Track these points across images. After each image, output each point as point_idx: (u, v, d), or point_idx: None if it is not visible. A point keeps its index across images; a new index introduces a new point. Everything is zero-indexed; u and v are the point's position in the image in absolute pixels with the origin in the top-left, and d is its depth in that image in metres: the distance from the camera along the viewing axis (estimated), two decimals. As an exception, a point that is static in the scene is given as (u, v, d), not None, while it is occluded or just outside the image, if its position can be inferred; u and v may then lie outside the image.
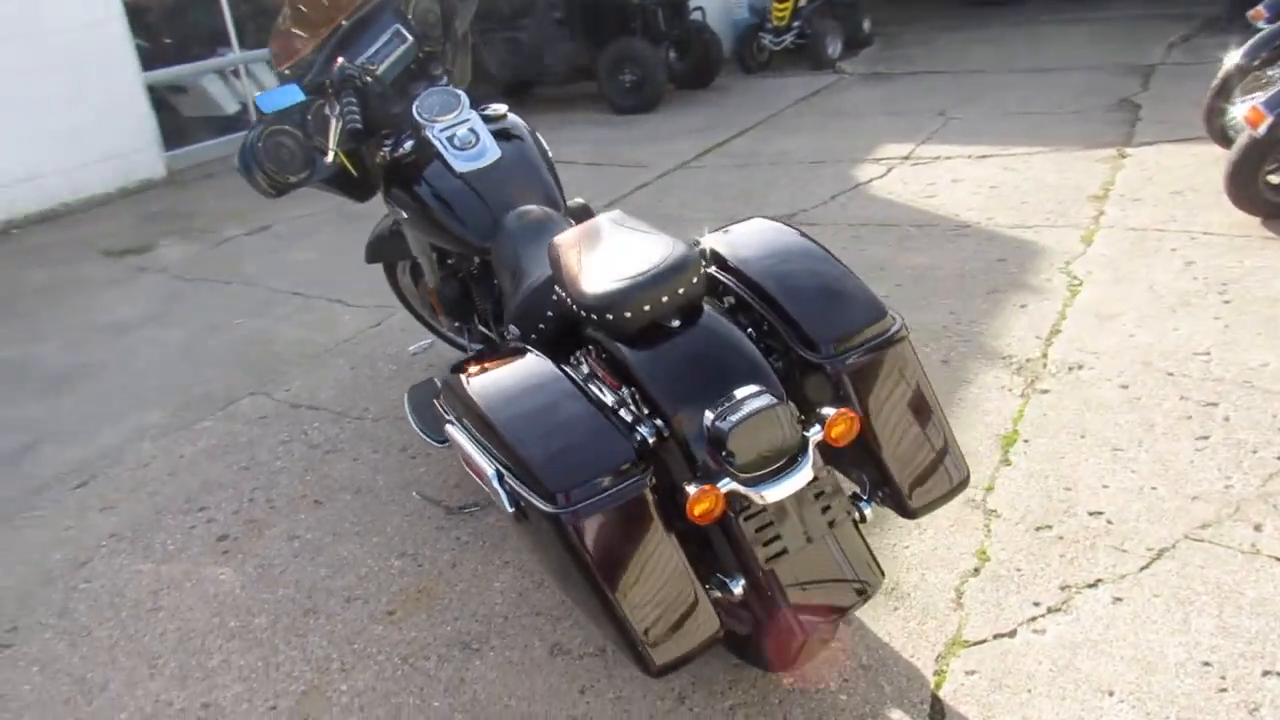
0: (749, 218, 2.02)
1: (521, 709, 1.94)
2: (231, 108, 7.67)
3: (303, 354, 3.70)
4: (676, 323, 1.69)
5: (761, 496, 1.53)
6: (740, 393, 1.56)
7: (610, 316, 1.66)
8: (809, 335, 1.68)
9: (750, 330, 1.76)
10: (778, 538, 1.57)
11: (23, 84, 5.91)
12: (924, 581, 2.18)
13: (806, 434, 1.59)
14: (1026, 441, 2.67)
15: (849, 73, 8.23)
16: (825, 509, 1.62)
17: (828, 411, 1.60)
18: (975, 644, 1.99)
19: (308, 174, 2.41)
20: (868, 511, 1.70)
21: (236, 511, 2.71)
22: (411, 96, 2.52)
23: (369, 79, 2.44)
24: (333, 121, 2.33)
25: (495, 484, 1.58)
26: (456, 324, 2.75)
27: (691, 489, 1.51)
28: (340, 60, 2.38)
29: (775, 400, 1.54)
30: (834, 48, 8.53)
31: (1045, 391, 2.88)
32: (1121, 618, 2.01)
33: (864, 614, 2.10)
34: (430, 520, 2.56)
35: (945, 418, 1.76)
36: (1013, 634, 2.01)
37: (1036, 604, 2.07)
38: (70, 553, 2.60)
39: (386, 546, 2.48)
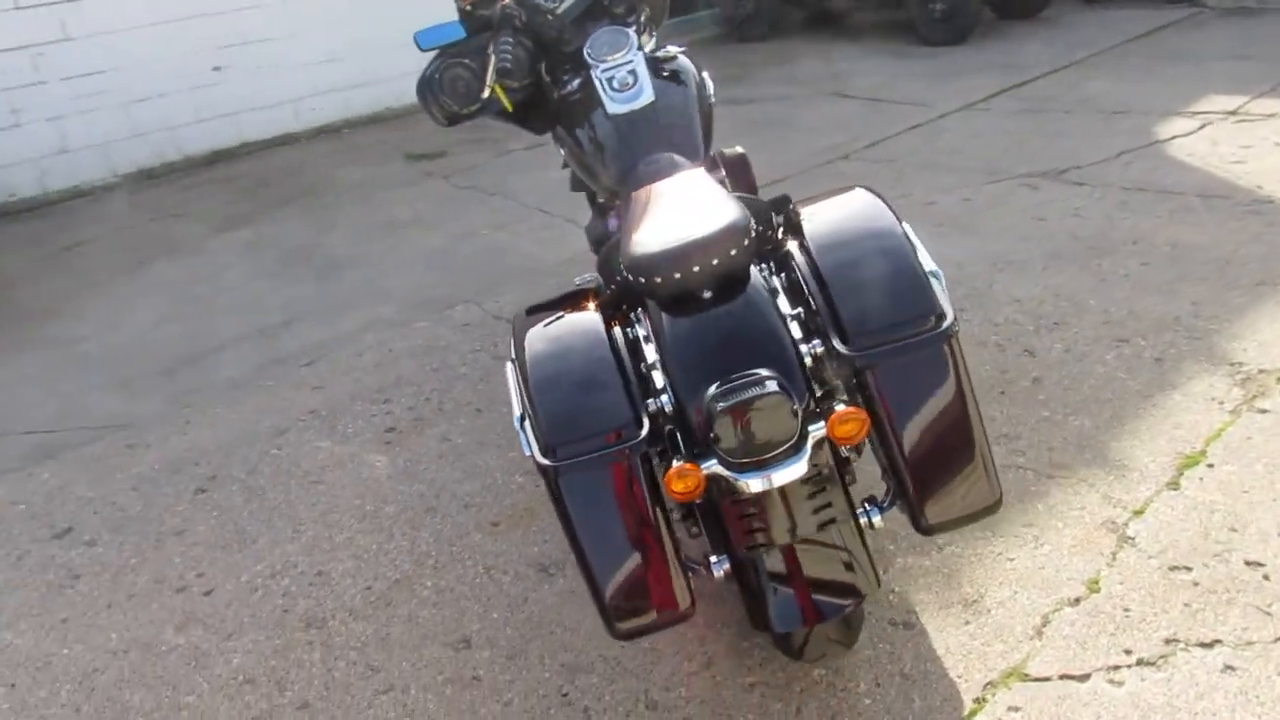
0: (850, 187, 1.89)
1: (564, 638, 2.05)
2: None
3: (525, 269, 3.96)
4: (708, 294, 1.65)
5: (745, 485, 1.49)
6: (744, 376, 1.51)
7: (643, 280, 1.65)
8: (845, 325, 1.57)
9: (800, 310, 1.67)
10: (760, 529, 1.52)
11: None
12: (1012, 600, 2.00)
13: (810, 429, 1.50)
14: (1210, 466, 2.31)
15: (1210, 6, 7.12)
16: (819, 509, 1.54)
17: (840, 408, 1.50)
18: (1035, 680, 1.81)
19: (478, 106, 2.55)
20: (876, 519, 1.59)
21: (411, 408, 3.01)
22: (589, 34, 2.57)
23: (545, 17, 2.52)
24: (491, 59, 2.44)
25: (517, 426, 1.66)
26: None
27: (676, 464, 1.50)
28: (504, 1, 2.47)
29: (775, 389, 1.47)
30: (1199, -25, 7.40)
31: (1264, 411, 2.46)
32: (1224, 689, 1.73)
33: (931, 620, 1.98)
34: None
35: (985, 432, 1.58)
36: (1084, 678, 1.80)
37: (1128, 652, 1.84)
38: (276, 421, 3.03)
39: (516, 464, 2.65)
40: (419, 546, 2.38)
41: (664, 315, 1.68)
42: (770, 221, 1.90)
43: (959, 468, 1.57)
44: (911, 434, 1.55)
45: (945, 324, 1.56)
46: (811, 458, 1.51)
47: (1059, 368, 2.81)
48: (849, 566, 1.58)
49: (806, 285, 1.68)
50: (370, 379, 3.23)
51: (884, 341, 1.55)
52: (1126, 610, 1.93)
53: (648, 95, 2.43)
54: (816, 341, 1.61)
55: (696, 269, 1.62)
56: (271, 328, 3.71)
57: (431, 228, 4.59)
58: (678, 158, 2.32)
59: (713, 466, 1.51)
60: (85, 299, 4.20)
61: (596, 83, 2.47)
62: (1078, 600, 1.98)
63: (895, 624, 1.99)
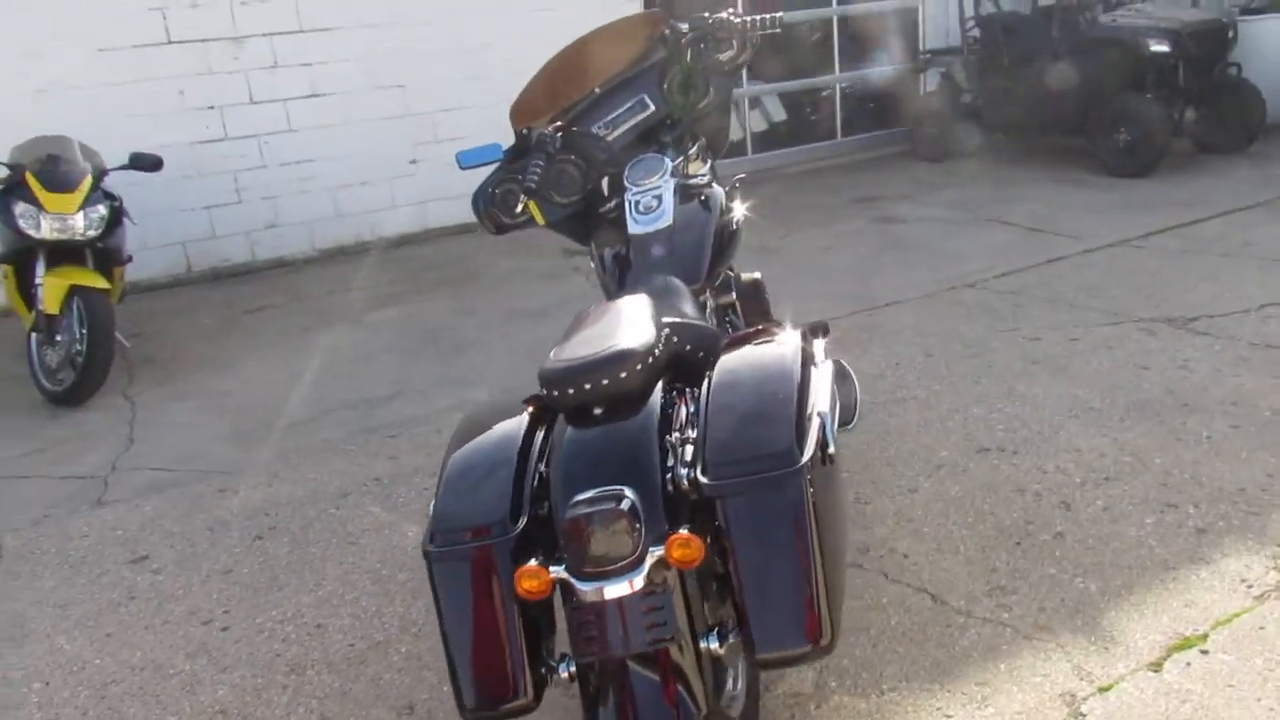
0: (783, 331, 1.96)
1: (493, 719, 2.17)
2: (736, 135, 8.43)
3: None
4: (598, 410, 1.77)
5: (582, 592, 1.58)
6: (600, 490, 1.62)
7: (545, 391, 1.80)
8: (705, 455, 1.65)
9: (688, 436, 1.76)
10: (594, 636, 1.60)
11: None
12: (925, 758, 1.94)
13: (651, 549, 1.58)
14: (1204, 652, 2.14)
15: None
16: (653, 625, 1.60)
17: (682, 532, 1.58)
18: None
19: (526, 219, 2.81)
20: (714, 645, 1.63)
21: (459, 486, 3.24)
22: (635, 159, 2.78)
23: (597, 144, 2.75)
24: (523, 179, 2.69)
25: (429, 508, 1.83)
26: None
27: (531, 564, 1.62)
28: (547, 128, 2.72)
29: (619, 508, 1.57)
30: None
31: (1291, 602, 2.25)
32: None
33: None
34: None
35: (824, 574, 1.59)
36: None
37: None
38: (344, 484, 3.35)
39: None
40: (410, 615, 2.58)
41: (566, 425, 1.82)
42: (708, 348, 2.01)
43: (790, 606, 1.59)
44: (747, 567, 1.60)
45: (798, 465, 1.61)
46: (651, 576, 1.59)
47: (1089, 526, 2.67)
48: (680, 688, 1.63)
49: (696, 415, 1.77)
50: (438, 456, 3.49)
51: (732, 475, 1.62)
52: (1039, 789, 1.83)
53: (666, 220, 2.60)
54: (685, 468, 1.69)
55: (588, 387, 1.75)
56: (380, 399, 4.10)
57: (550, 319, 4.90)
58: (673, 280, 2.46)
59: (560, 571, 1.62)
60: (246, 357, 4.78)
61: (627, 204, 2.67)
62: (993, 771, 1.89)
63: (800, 761, 1.98)
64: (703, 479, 1.63)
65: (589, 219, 2.88)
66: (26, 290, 4.37)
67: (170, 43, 6.06)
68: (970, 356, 3.89)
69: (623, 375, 1.76)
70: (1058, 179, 6.94)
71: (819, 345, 2.08)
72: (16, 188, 4.26)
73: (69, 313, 4.27)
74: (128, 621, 2.66)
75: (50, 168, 4.33)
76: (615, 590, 1.57)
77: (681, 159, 2.80)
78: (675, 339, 2.05)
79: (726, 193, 2.83)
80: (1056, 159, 7.43)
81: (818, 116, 8.88)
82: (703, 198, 2.69)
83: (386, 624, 2.55)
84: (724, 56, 2.84)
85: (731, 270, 2.75)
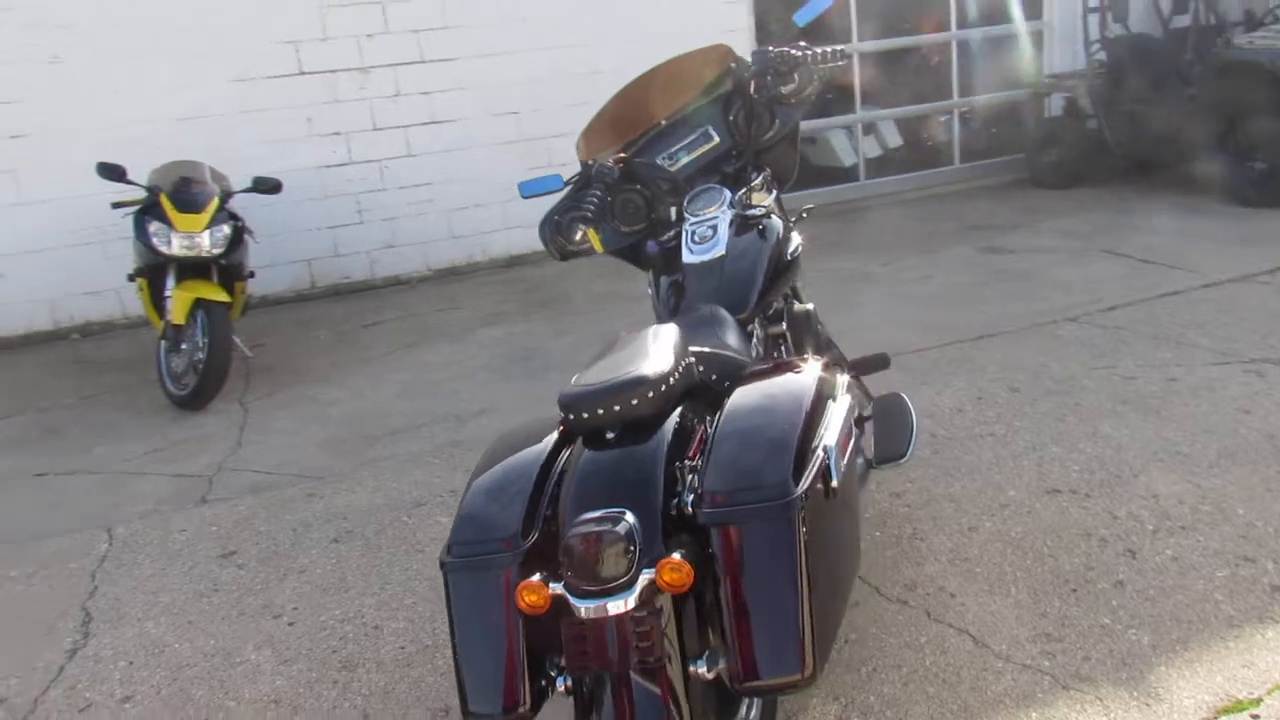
0: (804, 363, 1.98)
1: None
2: (849, 161, 8.37)
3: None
4: (611, 435, 1.83)
5: (576, 608, 1.64)
6: (601, 512, 1.68)
7: (564, 415, 1.87)
8: (704, 484, 1.69)
9: (697, 463, 1.80)
10: (585, 652, 1.66)
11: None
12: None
13: (643, 571, 1.63)
14: (1255, 718, 2.04)
15: None
16: (642, 646, 1.64)
17: (675, 557, 1.62)
18: None
19: (587, 246, 2.90)
20: (702, 669, 1.66)
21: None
22: (695, 190, 2.84)
23: (661, 174, 2.83)
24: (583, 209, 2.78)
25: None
26: None
27: (533, 579, 1.69)
28: (608, 160, 2.80)
29: (615, 530, 1.62)
30: None
31: (1359, 669, 2.11)
32: None
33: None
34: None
35: (810, 607, 1.59)
36: None
37: None
38: (421, 494, 3.51)
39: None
40: (461, 623, 2.69)
41: (582, 446, 1.89)
42: (734, 379, 2.04)
43: (774, 637, 1.61)
44: (734, 596, 1.63)
45: (788, 497, 1.64)
46: (643, 597, 1.64)
47: (1154, 576, 2.57)
48: (666, 708, 1.66)
49: (706, 444, 1.81)
50: (512, 471, 3.62)
51: (724, 504, 1.66)
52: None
53: (719, 250, 2.65)
54: (691, 494, 1.74)
55: (600, 411, 1.82)
56: (469, 414, 4.26)
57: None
58: (719, 310, 2.50)
59: (559, 588, 1.68)
60: (355, 370, 5.04)
61: (683, 234, 2.73)
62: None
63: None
64: (697, 507, 1.68)
65: (642, 248, 2.95)
66: (158, 302, 4.74)
67: (302, 74, 6.47)
68: (1058, 393, 3.77)
69: (633, 402, 1.82)
70: (1182, 208, 6.61)
71: (841, 380, 2.09)
72: (152, 208, 4.64)
73: (193, 323, 4.61)
74: (209, 611, 2.87)
75: (182, 190, 4.69)
76: (607, 607, 1.62)
77: (744, 190, 2.85)
78: (702, 368, 2.10)
79: (787, 224, 2.86)
80: (1182, 187, 7.06)
81: (934, 142, 8.72)
82: (760, 229, 2.73)
83: (437, 630, 2.66)
84: (786, 90, 2.87)
85: (786, 300, 2.76)
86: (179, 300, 4.58)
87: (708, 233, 2.71)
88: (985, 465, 3.26)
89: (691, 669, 1.68)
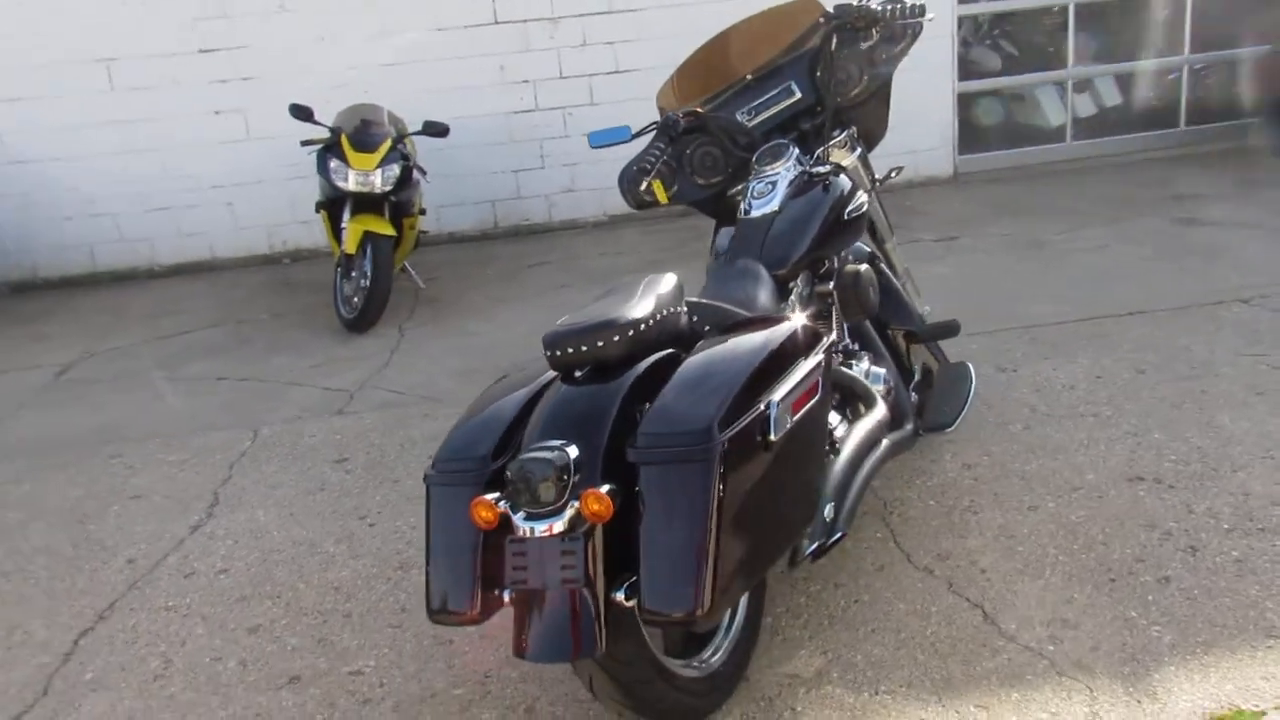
0: (788, 320, 2.00)
1: None
2: (1056, 120, 7.82)
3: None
4: (578, 374, 1.95)
5: (516, 526, 1.79)
6: (548, 442, 1.81)
7: (544, 352, 2.01)
8: (640, 424, 1.78)
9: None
10: (520, 568, 1.80)
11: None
12: (876, 759, 1.93)
13: (573, 501, 1.75)
14: (1249, 730, 1.90)
15: None
16: (566, 567, 1.76)
17: (602, 490, 1.73)
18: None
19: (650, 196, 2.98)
20: (619, 596, 1.75)
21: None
22: (766, 145, 2.85)
23: (738, 129, 2.86)
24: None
25: None
26: None
27: (486, 497, 1.85)
28: (679, 113, 2.85)
29: (552, 460, 1.75)
30: None
31: (1393, 698, 1.91)
32: None
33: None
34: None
35: (716, 549, 1.66)
36: None
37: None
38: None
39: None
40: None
41: (560, 383, 2.02)
42: (714, 329, 2.11)
43: (675, 573, 1.70)
44: (649, 530, 1.73)
45: (708, 443, 1.70)
46: (572, 524, 1.76)
47: (1206, 575, 2.40)
48: (584, 625, 1.78)
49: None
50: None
51: (650, 445, 1.75)
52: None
53: (772, 206, 2.67)
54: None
55: (571, 351, 1.95)
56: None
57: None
58: (753, 264, 2.54)
59: (504, 505, 1.83)
60: (507, 306, 5.37)
61: (746, 188, 2.77)
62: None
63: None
64: (629, 446, 1.78)
65: (721, 201, 3.00)
66: (337, 232, 5.25)
67: (496, 23, 6.82)
68: (1188, 378, 3.48)
69: (599, 344, 1.93)
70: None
71: (826, 340, 2.10)
72: (334, 146, 5.13)
73: (363, 254, 5.08)
74: (310, 508, 3.24)
75: (361, 131, 5.15)
76: (539, 527, 1.76)
77: (822, 148, 2.84)
78: (696, 318, 2.18)
79: (859, 184, 2.82)
80: None
81: (1159, 102, 7.97)
82: (825, 185, 2.72)
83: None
84: (865, 46, 2.82)
85: (839, 260, 2.73)
86: (351, 232, 5.06)
87: (766, 189, 2.73)
88: (1074, 445, 3.10)
89: (613, 595, 1.80)
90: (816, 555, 2.18)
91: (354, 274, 5.12)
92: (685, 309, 2.15)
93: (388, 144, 5.12)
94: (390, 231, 5.07)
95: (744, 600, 2.20)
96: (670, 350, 2.03)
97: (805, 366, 1.97)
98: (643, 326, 1.96)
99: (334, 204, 5.22)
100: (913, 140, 7.12)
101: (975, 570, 2.53)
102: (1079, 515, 2.72)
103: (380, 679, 2.35)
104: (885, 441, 2.51)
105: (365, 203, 5.13)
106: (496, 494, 1.84)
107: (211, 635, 2.59)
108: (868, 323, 2.83)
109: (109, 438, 3.97)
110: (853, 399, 2.58)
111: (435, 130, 5.35)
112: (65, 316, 6.03)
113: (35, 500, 3.46)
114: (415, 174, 5.34)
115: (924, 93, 7.12)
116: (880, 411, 2.53)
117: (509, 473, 1.80)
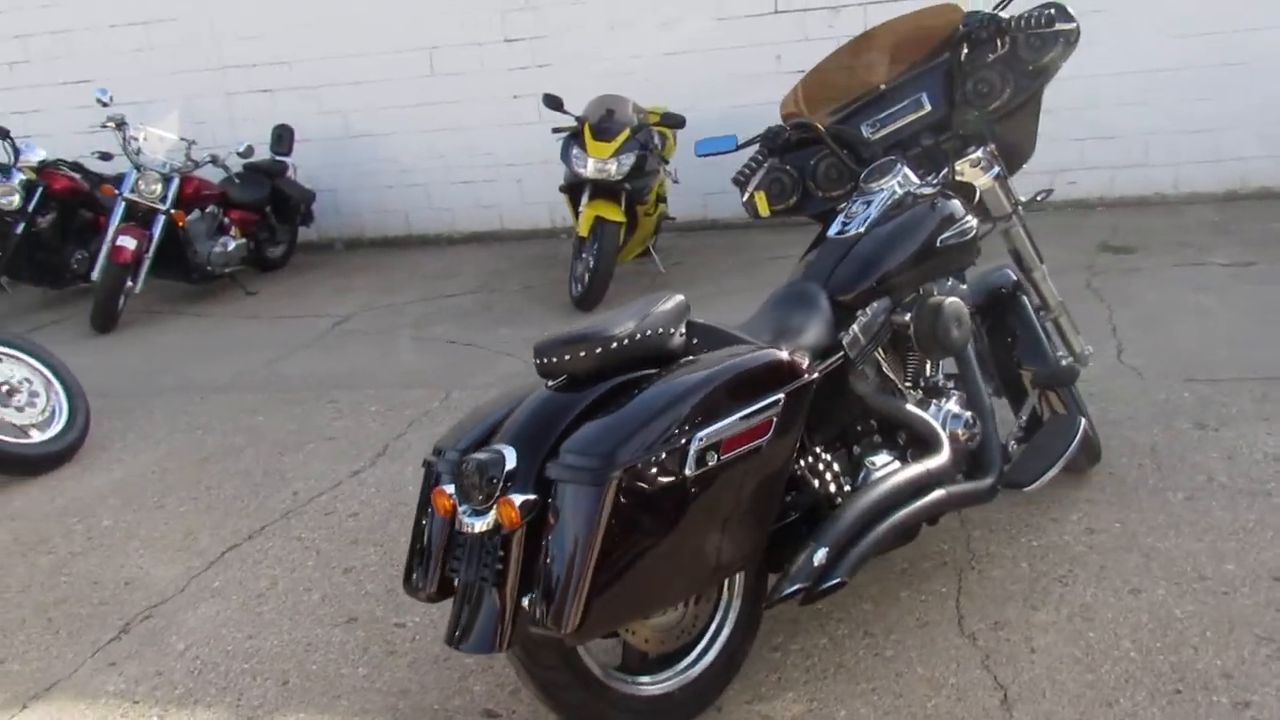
0: (765, 349, 1.92)
1: None
2: None
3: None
4: (550, 383, 2.01)
5: (459, 519, 1.91)
6: (495, 445, 1.91)
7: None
8: (566, 440, 1.83)
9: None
10: (458, 559, 1.92)
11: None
12: None
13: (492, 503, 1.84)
14: None
15: None
16: (484, 565, 1.85)
17: (517, 499, 1.81)
18: None
19: (783, 207, 2.90)
20: (525, 602, 1.81)
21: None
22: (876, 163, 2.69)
23: (860, 142, 2.73)
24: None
25: None
26: None
27: (445, 488, 1.98)
28: (786, 124, 2.74)
29: (489, 462, 1.85)
30: None
31: None
32: None
33: None
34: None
35: (594, 576, 1.68)
36: None
37: None
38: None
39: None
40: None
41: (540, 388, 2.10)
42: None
43: (557, 590, 1.75)
44: (548, 544, 1.79)
45: (606, 471, 1.72)
46: (496, 526, 1.85)
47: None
48: (486, 623, 1.86)
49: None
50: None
51: (564, 464, 1.80)
52: None
53: (858, 229, 2.54)
54: None
55: (552, 360, 2.02)
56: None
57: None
58: (810, 288, 2.46)
59: (454, 499, 1.96)
60: (731, 297, 5.31)
61: (846, 206, 2.65)
62: None
63: None
64: (548, 460, 1.84)
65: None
66: (577, 215, 5.59)
67: (776, 12, 6.81)
68: None
69: (569, 357, 2.00)
70: None
71: (801, 383, 2.00)
72: (578, 135, 5.45)
73: (594, 237, 5.37)
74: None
75: (604, 120, 5.42)
76: (469, 524, 1.89)
77: (946, 168, 2.65)
78: (695, 340, 2.17)
79: (971, 207, 2.59)
80: None
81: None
82: (921, 208, 2.53)
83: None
84: (999, 55, 2.56)
85: (920, 291, 2.52)
86: (585, 216, 5.37)
87: (860, 208, 2.59)
88: (1231, 528, 2.64)
89: (520, 600, 1.87)
90: (806, 600, 2.10)
91: (584, 255, 5.43)
92: (682, 330, 2.14)
93: (625, 134, 5.35)
94: (620, 218, 5.31)
95: (724, 631, 2.18)
96: (652, 370, 2.04)
97: (756, 404, 1.90)
98: (614, 345, 1.99)
99: (574, 188, 5.56)
100: (1234, 146, 6.19)
101: (1025, 648, 2.28)
102: (1186, 610, 2.34)
103: (414, 635, 2.60)
104: (940, 491, 2.33)
105: (601, 189, 5.41)
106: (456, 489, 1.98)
107: (315, 568, 2.97)
108: (974, 360, 2.60)
109: (340, 384, 4.59)
110: (916, 441, 2.41)
111: (672, 122, 5.50)
112: (372, 273, 6.94)
113: (259, 429, 4.11)
114: (653, 163, 5.53)
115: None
116: (940, 458, 2.34)
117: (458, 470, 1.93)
